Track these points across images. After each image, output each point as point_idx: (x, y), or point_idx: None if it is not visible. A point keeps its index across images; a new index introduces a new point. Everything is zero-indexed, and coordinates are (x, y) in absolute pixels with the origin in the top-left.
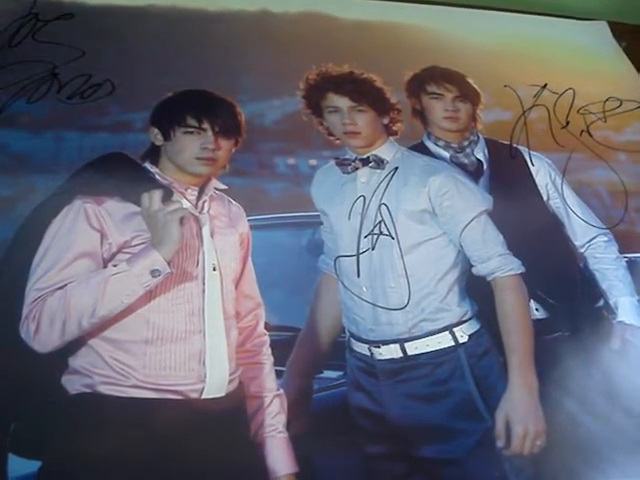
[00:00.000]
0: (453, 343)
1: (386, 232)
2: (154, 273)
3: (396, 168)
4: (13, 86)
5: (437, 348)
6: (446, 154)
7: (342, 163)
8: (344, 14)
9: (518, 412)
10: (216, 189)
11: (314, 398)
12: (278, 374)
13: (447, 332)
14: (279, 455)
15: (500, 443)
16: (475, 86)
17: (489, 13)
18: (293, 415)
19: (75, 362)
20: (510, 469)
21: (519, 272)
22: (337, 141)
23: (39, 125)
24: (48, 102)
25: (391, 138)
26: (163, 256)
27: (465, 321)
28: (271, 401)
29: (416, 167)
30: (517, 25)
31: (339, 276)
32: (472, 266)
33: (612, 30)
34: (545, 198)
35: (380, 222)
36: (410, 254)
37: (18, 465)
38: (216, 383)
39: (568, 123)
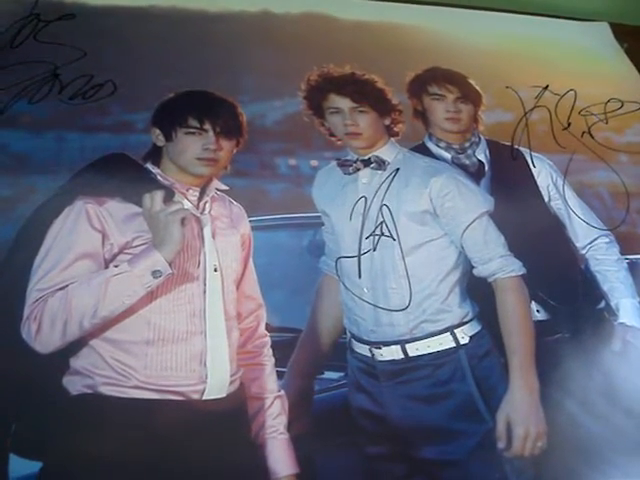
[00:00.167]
0: (454, 344)
1: (387, 233)
2: (155, 274)
3: (397, 169)
4: (15, 87)
5: (438, 349)
6: (447, 155)
7: (343, 164)
8: (345, 15)
9: (519, 413)
10: (217, 190)
11: (315, 399)
12: (279, 375)
13: (448, 333)
14: (280, 456)
15: (501, 444)
16: (477, 87)
17: (490, 14)
18: (294, 416)
19: (76, 363)
20: (511, 470)
21: (520, 273)
22: (338, 142)
23: (40, 125)
24: (50, 102)
25: (392, 139)
26: (164, 257)
27: (466, 322)
28: (272, 402)
29: (417, 168)
30: (518, 26)
31: (340, 277)
32: (473, 267)
33: (613, 31)
34: (546, 199)
35: (381, 223)
36: (411, 255)
37: (19, 465)
38: (217, 384)
39: (569, 124)
